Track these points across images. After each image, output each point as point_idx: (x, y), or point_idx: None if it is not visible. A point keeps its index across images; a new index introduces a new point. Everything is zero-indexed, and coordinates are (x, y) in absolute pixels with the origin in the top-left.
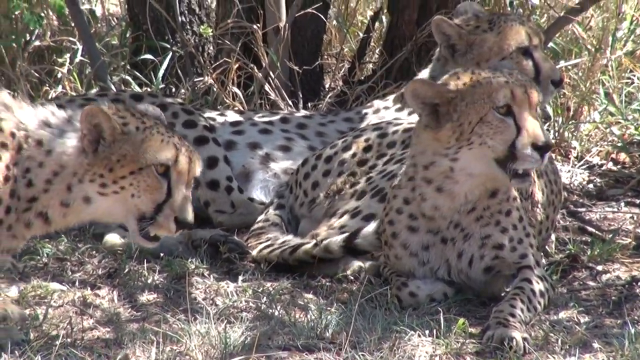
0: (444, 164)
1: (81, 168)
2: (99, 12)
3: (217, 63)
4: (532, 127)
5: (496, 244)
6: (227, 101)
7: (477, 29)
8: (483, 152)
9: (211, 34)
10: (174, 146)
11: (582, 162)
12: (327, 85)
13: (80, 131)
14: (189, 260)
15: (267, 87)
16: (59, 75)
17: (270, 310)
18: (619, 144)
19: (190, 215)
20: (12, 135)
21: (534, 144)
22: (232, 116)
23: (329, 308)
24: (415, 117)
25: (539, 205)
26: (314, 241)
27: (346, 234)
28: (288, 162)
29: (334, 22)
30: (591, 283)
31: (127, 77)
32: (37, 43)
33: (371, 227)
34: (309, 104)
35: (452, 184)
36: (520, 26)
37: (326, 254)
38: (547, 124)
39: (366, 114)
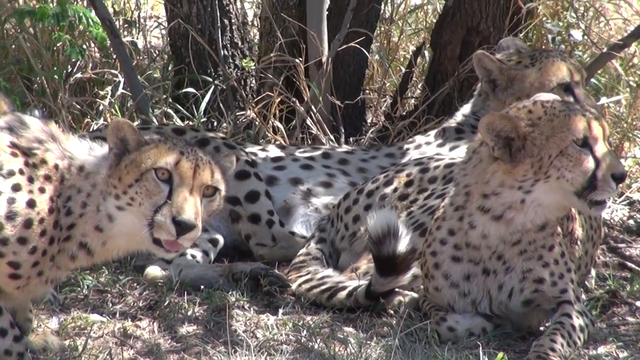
0: (514, 196)
1: (105, 184)
2: (140, 44)
3: (260, 97)
4: (610, 158)
5: (537, 277)
6: (269, 135)
7: (519, 65)
8: (560, 184)
9: (253, 67)
10: (179, 152)
11: (622, 198)
12: (369, 120)
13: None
14: (230, 292)
15: (309, 121)
16: (101, 107)
17: (310, 344)
18: None
19: (187, 215)
20: (56, 167)
21: (613, 174)
22: (273, 151)
23: (368, 342)
24: (456, 153)
25: (579, 242)
26: (348, 289)
27: (364, 287)
28: (329, 198)
29: (376, 57)
30: (630, 319)
31: (169, 111)
32: (78, 75)
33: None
34: (351, 139)
35: (515, 212)
36: (562, 62)
37: (358, 304)
38: None
39: (408, 149)
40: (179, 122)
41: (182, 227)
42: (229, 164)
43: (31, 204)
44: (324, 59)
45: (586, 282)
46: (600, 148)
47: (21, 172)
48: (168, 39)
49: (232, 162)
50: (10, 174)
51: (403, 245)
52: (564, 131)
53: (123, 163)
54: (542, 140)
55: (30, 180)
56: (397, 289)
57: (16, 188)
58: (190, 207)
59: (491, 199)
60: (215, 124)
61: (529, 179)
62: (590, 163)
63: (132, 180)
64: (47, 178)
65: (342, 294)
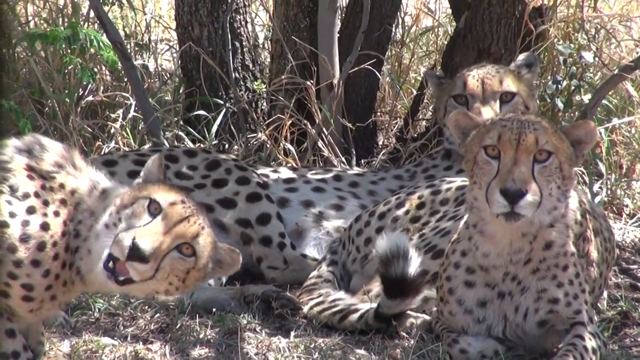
0: (470, 203)
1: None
2: (152, 67)
3: (271, 119)
4: (506, 170)
5: (551, 297)
6: (280, 157)
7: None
8: (483, 193)
9: (264, 90)
10: (180, 199)
11: (634, 220)
12: (380, 142)
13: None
14: (241, 315)
15: (320, 143)
16: (112, 130)
17: None
18: None
19: (144, 244)
20: (73, 192)
21: (501, 188)
22: (285, 173)
23: None
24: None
25: (594, 264)
26: (360, 311)
27: (373, 309)
28: (340, 221)
29: (388, 79)
30: None
31: (180, 133)
32: (90, 98)
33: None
34: (362, 161)
35: (483, 224)
36: (466, 75)
37: (369, 327)
38: (600, 181)
39: (415, 172)
40: (190, 145)
41: (134, 252)
42: (229, 260)
43: (45, 226)
44: (335, 81)
45: (598, 304)
46: (505, 160)
47: (36, 194)
48: (179, 61)
49: (234, 260)
50: (25, 196)
51: (413, 268)
52: (479, 137)
53: (134, 187)
54: (468, 143)
55: (45, 203)
56: (408, 312)
57: (30, 211)
58: (153, 240)
59: (473, 211)
60: (226, 146)
61: (471, 182)
62: (491, 173)
63: (129, 202)
64: (63, 202)
65: (354, 317)
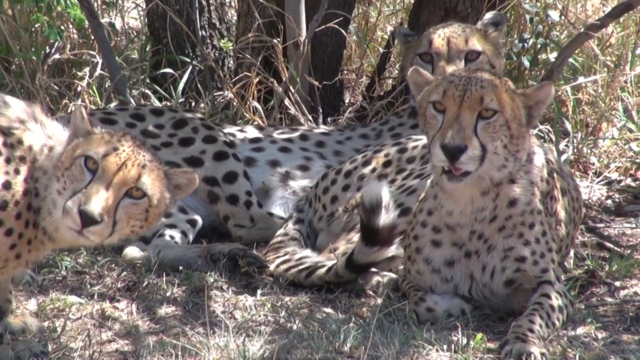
0: (430, 159)
1: (56, 166)
2: (118, 25)
3: (237, 77)
4: (447, 125)
5: (518, 256)
6: (247, 115)
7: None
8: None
9: (231, 48)
10: (112, 147)
11: (600, 178)
12: (347, 100)
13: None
14: (208, 273)
15: (287, 101)
16: (79, 88)
17: (289, 324)
18: (638, 160)
19: (91, 207)
20: (30, 148)
21: (440, 143)
22: (251, 132)
23: (347, 322)
24: None
25: (561, 223)
26: (327, 265)
27: (346, 257)
28: (306, 181)
29: (354, 37)
30: (609, 299)
31: (147, 91)
32: (57, 56)
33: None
34: (329, 119)
35: (443, 182)
36: (432, 34)
37: (338, 279)
38: (566, 139)
39: (382, 130)
40: (156, 103)
41: (85, 219)
42: (186, 181)
43: (6, 185)
44: (301, 40)
45: (565, 262)
46: (448, 115)
47: None
48: (146, 19)
49: (191, 180)
50: None
51: (391, 218)
52: (427, 94)
53: (69, 147)
54: (420, 101)
55: (7, 161)
56: (375, 270)
57: None
58: (99, 200)
59: (433, 169)
60: (193, 104)
61: (428, 141)
62: (436, 127)
63: (68, 164)
64: (22, 159)
65: (321, 271)
